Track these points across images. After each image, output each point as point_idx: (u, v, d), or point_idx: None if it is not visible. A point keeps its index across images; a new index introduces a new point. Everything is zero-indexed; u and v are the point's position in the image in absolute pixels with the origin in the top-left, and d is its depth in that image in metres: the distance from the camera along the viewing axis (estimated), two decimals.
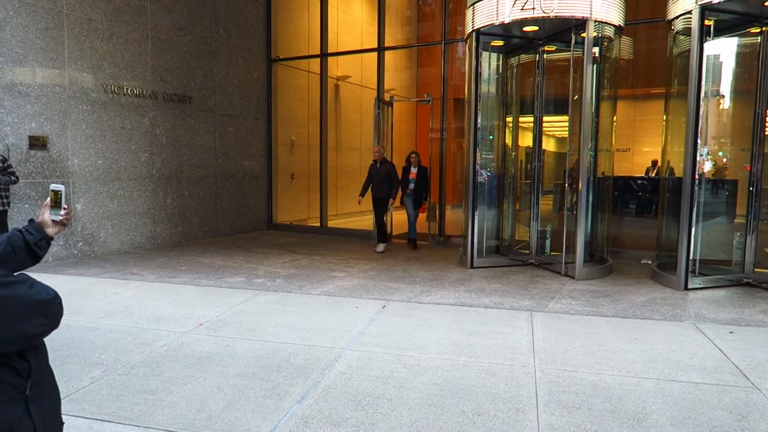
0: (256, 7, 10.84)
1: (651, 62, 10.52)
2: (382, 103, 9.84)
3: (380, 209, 8.66)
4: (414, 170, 8.90)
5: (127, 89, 8.26)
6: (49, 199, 1.70)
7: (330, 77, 11.45)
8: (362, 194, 8.75)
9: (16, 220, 6.99)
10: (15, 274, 1.46)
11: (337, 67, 12.09)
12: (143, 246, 8.80)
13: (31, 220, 1.72)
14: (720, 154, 7.39)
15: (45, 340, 1.55)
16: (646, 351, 4.17)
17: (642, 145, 13.18)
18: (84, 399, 3.31)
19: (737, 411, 3.20)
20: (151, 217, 8.89)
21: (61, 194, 1.69)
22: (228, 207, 10.43)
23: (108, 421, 3.04)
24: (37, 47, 7.05)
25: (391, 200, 8.60)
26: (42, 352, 1.54)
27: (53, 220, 1.70)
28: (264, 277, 6.73)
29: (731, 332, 4.62)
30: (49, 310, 1.41)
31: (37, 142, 7.15)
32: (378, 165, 8.54)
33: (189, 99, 9.37)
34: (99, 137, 7.96)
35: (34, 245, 1.65)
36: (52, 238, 1.72)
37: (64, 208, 1.71)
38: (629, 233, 9.35)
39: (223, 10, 9.97)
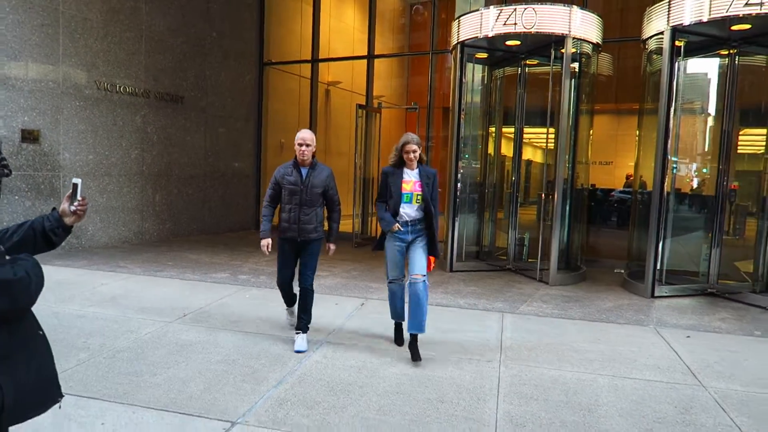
0: (249, 11, 11.06)
1: (636, 78, 10.89)
2: (364, 109, 10.08)
3: (307, 259, 4.37)
4: (411, 175, 4.18)
5: (120, 87, 8.44)
6: (70, 191, 1.88)
7: (321, 82, 11.68)
8: (266, 225, 4.41)
9: (6, 212, 7.12)
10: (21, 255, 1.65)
11: (328, 72, 12.32)
12: (131, 241, 8.94)
13: (54, 209, 1.89)
14: (691, 169, 7.70)
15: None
16: (606, 351, 4.42)
17: (625, 159, 13.55)
18: (71, 378, 3.49)
19: (682, 405, 3.46)
20: (139, 213, 9.04)
21: (77, 187, 1.87)
22: (216, 206, 10.59)
23: (94, 398, 3.22)
24: (32, 43, 7.22)
25: (330, 246, 4.43)
26: (21, 327, 1.67)
27: (71, 210, 1.88)
28: (249, 273, 6.91)
29: (688, 336, 4.90)
30: (13, 289, 1.54)
31: (29, 136, 7.30)
32: (305, 173, 4.25)
33: (181, 99, 9.55)
34: (91, 133, 8.11)
35: (50, 231, 1.83)
36: (70, 227, 1.89)
37: (78, 200, 1.88)
38: (607, 243, 9.66)
39: (216, 13, 10.17)
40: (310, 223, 4.30)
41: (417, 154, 4.16)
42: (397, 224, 4.14)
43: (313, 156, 4.31)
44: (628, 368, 4.06)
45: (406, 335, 4.22)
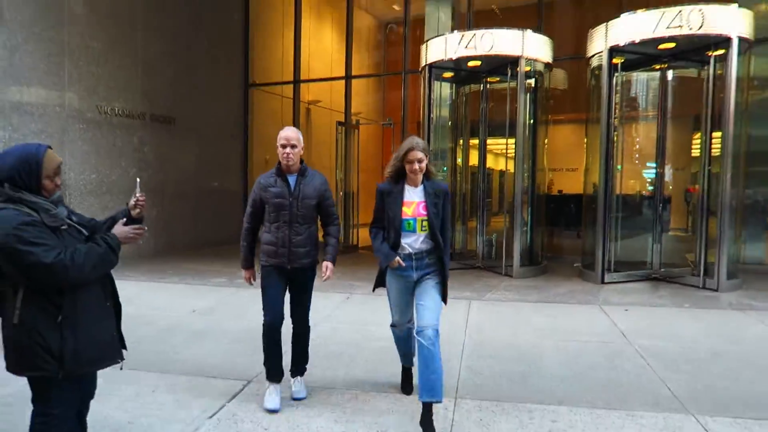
0: (235, 37, 11.87)
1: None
2: (343, 126, 10.93)
3: (301, 296, 3.57)
4: (414, 194, 3.23)
5: (118, 110, 9.14)
6: (136, 188, 2.55)
7: (302, 101, 12.50)
8: (246, 254, 3.65)
9: None
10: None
11: (308, 92, 13.15)
12: (129, 255, 9.52)
13: (127, 203, 2.56)
14: (633, 172, 8.67)
15: None
16: (555, 323, 5.27)
17: (591, 165, 14.61)
18: None
19: (610, 356, 4.30)
20: None
21: (137, 184, 2.58)
22: (207, 220, 11.26)
23: (134, 369, 3.93)
24: (41, 71, 7.91)
25: (328, 266, 3.51)
26: (88, 296, 2.25)
27: (132, 204, 2.56)
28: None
29: (626, 310, 5.78)
30: (54, 269, 2.05)
31: None
32: (293, 182, 3.42)
33: (173, 120, 10.27)
34: (93, 153, 8.79)
35: (123, 216, 2.55)
36: (140, 219, 2.53)
37: (137, 196, 2.56)
38: (571, 242, 10.58)
39: (205, 39, 10.95)
40: (303, 246, 3.39)
41: (424, 165, 3.15)
42: (397, 258, 3.17)
43: (302, 161, 3.46)
44: (572, 334, 4.91)
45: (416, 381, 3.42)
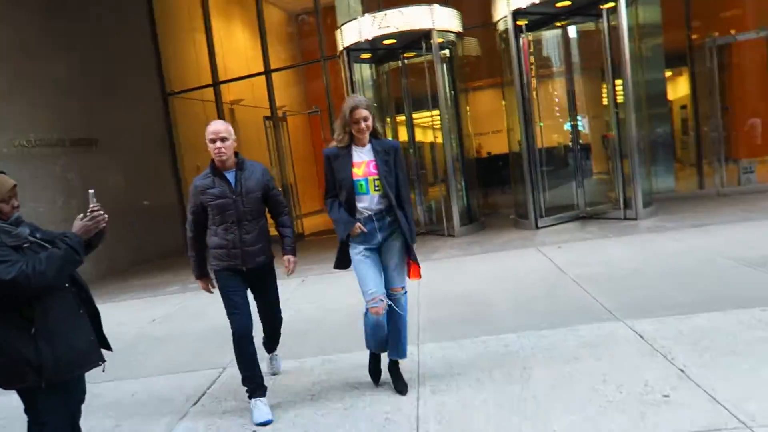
0: (145, 48, 11.60)
1: None
2: (271, 120, 11.01)
3: (266, 296, 3.65)
4: (362, 154, 3.12)
5: (35, 141, 8.80)
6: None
7: (224, 102, 12.40)
8: (198, 263, 3.52)
9: None
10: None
11: (229, 92, 13.04)
12: None
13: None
14: (551, 125, 9.28)
15: None
16: (496, 269, 5.74)
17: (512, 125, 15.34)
18: None
19: (548, 288, 4.78)
20: None
21: (89, 196, 2.59)
22: (147, 236, 11.05)
23: (110, 381, 4.01)
24: None
25: (290, 259, 3.55)
26: (61, 305, 2.35)
27: (87, 215, 2.56)
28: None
29: (559, 247, 6.33)
30: (17, 282, 2.13)
31: None
32: (233, 178, 3.23)
33: (95, 142, 9.99)
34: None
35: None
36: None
37: (90, 207, 2.54)
38: (503, 198, 11.18)
39: (115, 55, 10.61)
40: (256, 243, 3.25)
41: (370, 123, 3.03)
42: (358, 224, 3.07)
43: (237, 153, 3.25)
44: (512, 274, 5.39)
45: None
